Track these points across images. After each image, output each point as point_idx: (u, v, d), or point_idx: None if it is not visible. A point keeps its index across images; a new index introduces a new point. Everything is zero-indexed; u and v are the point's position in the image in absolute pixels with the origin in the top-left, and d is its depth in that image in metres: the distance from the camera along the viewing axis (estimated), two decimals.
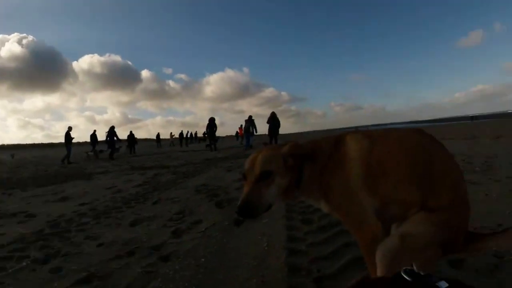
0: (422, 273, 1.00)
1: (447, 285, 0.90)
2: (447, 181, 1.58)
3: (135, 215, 4.50)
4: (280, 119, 19.30)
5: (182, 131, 43.85)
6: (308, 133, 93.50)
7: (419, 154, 1.64)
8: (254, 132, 22.38)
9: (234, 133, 42.96)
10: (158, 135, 43.23)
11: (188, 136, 47.34)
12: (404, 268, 1.03)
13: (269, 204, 1.72)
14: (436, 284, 0.93)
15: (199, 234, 3.46)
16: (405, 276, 0.99)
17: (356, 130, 1.93)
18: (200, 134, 50.81)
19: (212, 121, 21.53)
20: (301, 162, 1.78)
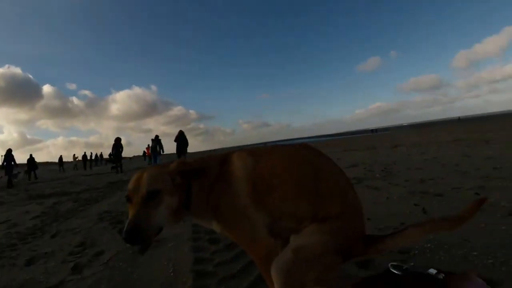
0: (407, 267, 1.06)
1: (435, 271, 0.96)
2: (334, 191, 1.71)
3: (32, 252, 4.19)
4: (188, 137, 19.64)
5: (85, 152, 41.99)
6: (217, 150, 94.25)
7: (305, 168, 1.75)
8: (161, 151, 22.49)
9: (142, 153, 42.64)
10: (60, 158, 40.77)
11: (93, 158, 45.67)
12: (390, 263, 1.06)
13: (160, 227, 1.68)
14: (428, 272, 0.98)
15: (101, 266, 3.31)
16: (394, 271, 1.02)
17: (242, 149, 2.00)
18: (106, 156, 49.37)
19: (118, 141, 21.17)
20: (189, 180, 1.79)
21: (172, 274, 2.87)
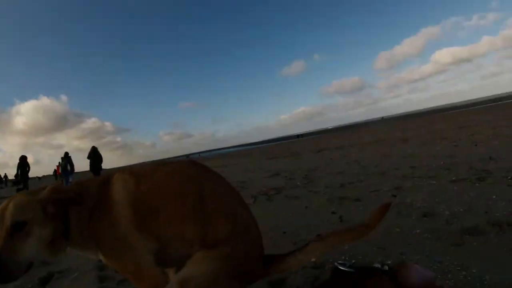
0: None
1: (379, 265, 1.19)
2: (222, 212, 1.65)
3: None
4: (105, 151, 19.76)
5: None
6: (137, 165, 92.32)
7: (188, 188, 1.68)
8: (72, 170, 21.56)
9: (52, 172, 40.93)
10: None
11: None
12: (336, 262, 1.31)
13: (29, 262, 1.54)
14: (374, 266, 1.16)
15: None
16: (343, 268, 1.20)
17: (124, 169, 1.89)
18: (11, 176, 46.55)
19: (23, 160, 20.41)
20: (65, 208, 1.66)
21: None
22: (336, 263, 1.75)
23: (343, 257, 2.63)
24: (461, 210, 3.25)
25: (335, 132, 65.59)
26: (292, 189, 6.29)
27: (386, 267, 1.55)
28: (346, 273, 1.71)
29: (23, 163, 20.57)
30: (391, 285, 1.54)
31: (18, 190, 21.99)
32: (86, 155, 19.43)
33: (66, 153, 21.65)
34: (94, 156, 19.29)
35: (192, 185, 1.69)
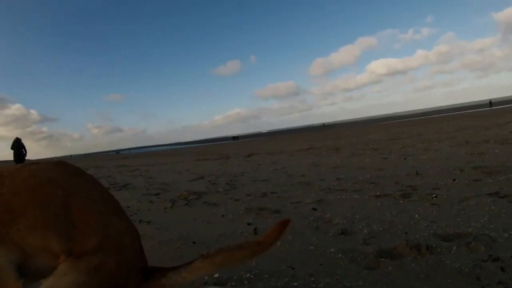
0: None
1: None
2: (91, 220, 1.55)
3: None
4: (30, 141, 20.26)
5: None
6: (65, 157, 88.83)
7: (52, 192, 1.56)
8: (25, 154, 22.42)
9: None
10: None
11: None
12: None
13: None
14: None
15: None
16: None
17: None
18: None
19: None
20: None
21: None
22: None
23: (248, 275, 2.44)
24: (381, 229, 3.18)
25: (269, 136, 66.74)
26: (213, 194, 6.08)
27: None
28: None
29: None
30: None
31: None
32: (9, 143, 20.57)
33: (18, 139, 21.79)
34: (17, 147, 20.56)
35: (56, 190, 1.56)
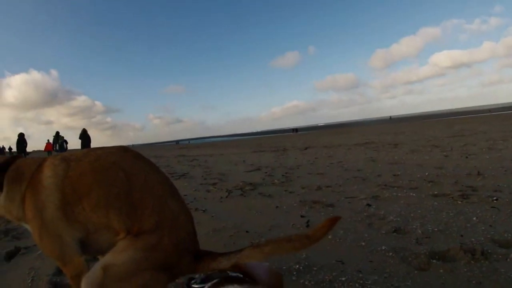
0: None
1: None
2: (148, 201, 1.63)
3: None
4: (95, 131, 22.41)
5: None
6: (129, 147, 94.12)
7: (114, 175, 1.67)
8: (57, 148, 24.79)
9: (44, 148, 41.92)
10: None
11: None
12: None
13: None
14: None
15: None
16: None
17: (59, 154, 1.92)
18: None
19: (21, 136, 23.18)
20: None
21: (30, 284, 2.78)
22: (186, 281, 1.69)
23: (297, 266, 2.46)
24: (436, 229, 3.08)
25: (326, 129, 65.90)
26: (268, 186, 6.13)
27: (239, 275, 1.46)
28: None
29: (20, 140, 23.10)
30: None
31: None
32: (76, 133, 22.40)
33: (58, 133, 24.34)
34: (84, 137, 21.87)
35: (119, 172, 1.67)
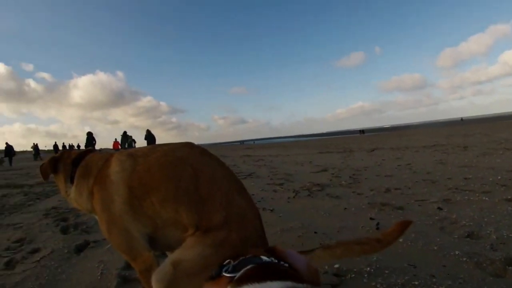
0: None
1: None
2: (217, 196, 1.61)
3: None
4: (160, 131, 23.29)
5: (56, 142, 44.50)
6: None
7: (182, 169, 1.68)
8: (133, 147, 25.72)
9: (112, 146, 44.45)
10: (36, 147, 43.14)
11: (67, 148, 47.35)
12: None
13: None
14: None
15: (33, 264, 3.29)
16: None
17: (125, 150, 1.97)
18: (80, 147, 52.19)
19: (90, 135, 23.94)
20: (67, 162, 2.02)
21: (99, 277, 2.86)
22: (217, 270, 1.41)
23: (368, 269, 2.45)
24: (511, 235, 2.91)
25: (393, 131, 63.80)
26: (336, 187, 6.08)
27: (274, 261, 1.27)
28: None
29: (89, 138, 23.81)
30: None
31: None
32: (142, 132, 23.06)
33: (125, 132, 25.38)
34: (150, 138, 22.82)
35: (186, 167, 1.68)
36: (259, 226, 1.66)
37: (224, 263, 1.16)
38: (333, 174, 7.92)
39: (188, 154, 1.76)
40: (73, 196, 1.94)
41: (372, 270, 2.45)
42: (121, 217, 1.67)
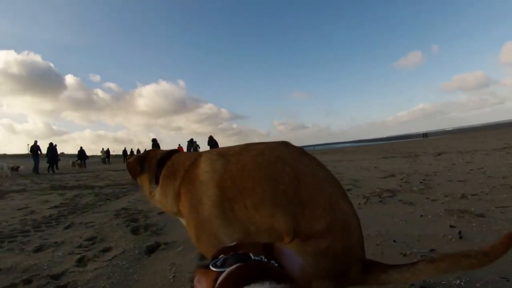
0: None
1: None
2: (319, 200, 1.42)
3: (42, 240, 4.39)
4: (221, 137, 23.19)
5: (125, 148, 46.54)
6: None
7: (280, 170, 1.49)
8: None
9: None
10: (107, 151, 46.72)
11: (134, 153, 50.58)
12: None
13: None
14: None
15: (105, 263, 3.36)
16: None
17: (214, 149, 1.83)
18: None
19: (155, 141, 24.46)
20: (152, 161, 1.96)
21: (171, 280, 2.85)
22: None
23: (458, 281, 2.31)
24: None
25: (457, 133, 60.64)
26: (408, 193, 5.84)
27: (265, 259, 1.12)
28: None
29: (154, 144, 24.28)
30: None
31: None
32: (204, 139, 23.51)
33: (192, 139, 25.75)
34: (211, 142, 23.16)
35: (285, 167, 1.49)
36: (360, 235, 1.47)
37: (216, 256, 1.08)
38: (402, 179, 7.64)
39: (287, 153, 1.58)
40: (158, 197, 1.85)
41: (462, 283, 2.30)
42: (210, 221, 1.53)
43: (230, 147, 1.76)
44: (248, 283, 0.79)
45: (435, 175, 7.86)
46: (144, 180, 1.97)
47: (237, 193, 1.51)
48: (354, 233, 1.44)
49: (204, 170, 1.63)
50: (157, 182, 1.87)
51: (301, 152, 1.62)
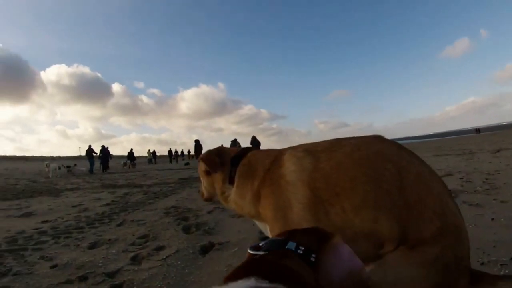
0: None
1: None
2: (428, 202, 1.22)
3: (97, 237, 4.47)
4: (261, 137, 23.51)
5: (170, 148, 49.32)
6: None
7: (382, 166, 1.28)
8: None
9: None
10: (154, 152, 48.48)
11: (179, 154, 53.58)
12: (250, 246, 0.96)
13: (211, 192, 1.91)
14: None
15: (159, 262, 3.32)
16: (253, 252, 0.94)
17: (298, 146, 1.62)
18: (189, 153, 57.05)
19: (198, 142, 25.67)
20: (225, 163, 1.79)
21: None
22: (249, 247, 1.17)
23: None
24: None
25: None
26: (471, 194, 5.30)
27: (301, 251, 0.92)
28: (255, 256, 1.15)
29: (197, 145, 25.49)
30: (305, 269, 0.90)
31: (186, 164, 31.29)
32: (244, 139, 23.87)
33: (235, 140, 26.20)
34: (254, 142, 23.20)
35: (386, 164, 1.31)
36: (467, 242, 1.29)
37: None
38: (462, 178, 7.04)
39: (385, 148, 1.39)
40: (233, 198, 1.69)
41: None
42: (300, 226, 1.29)
43: (316, 142, 1.57)
44: (240, 277, 0.72)
45: (498, 173, 7.20)
46: (216, 179, 1.81)
47: (332, 195, 1.33)
48: (466, 240, 1.28)
49: (290, 169, 1.46)
50: (230, 182, 1.71)
51: (399, 146, 1.43)
